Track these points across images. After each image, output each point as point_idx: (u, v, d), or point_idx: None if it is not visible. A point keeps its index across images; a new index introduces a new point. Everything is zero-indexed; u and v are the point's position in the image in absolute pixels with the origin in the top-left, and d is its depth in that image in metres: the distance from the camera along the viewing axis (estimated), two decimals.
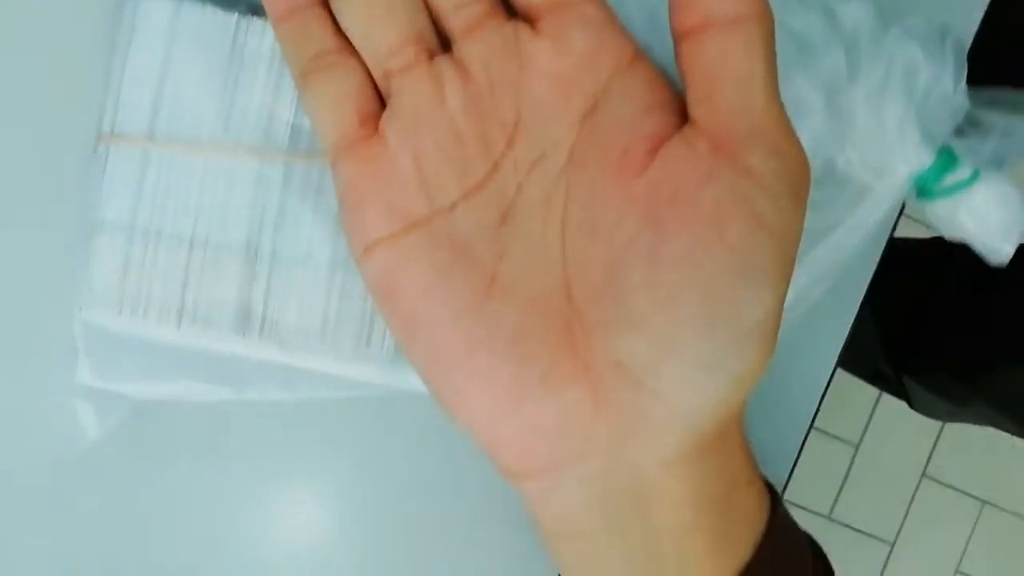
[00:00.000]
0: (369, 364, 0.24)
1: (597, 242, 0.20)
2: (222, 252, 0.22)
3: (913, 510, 1.23)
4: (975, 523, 1.24)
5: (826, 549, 0.26)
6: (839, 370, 0.33)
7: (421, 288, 0.20)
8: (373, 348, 0.23)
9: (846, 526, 1.22)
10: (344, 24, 0.20)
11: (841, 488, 1.22)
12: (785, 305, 0.24)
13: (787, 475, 0.33)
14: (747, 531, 0.22)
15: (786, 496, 0.24)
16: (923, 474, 1.23)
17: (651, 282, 0.19)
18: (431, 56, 0.20)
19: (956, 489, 1.23)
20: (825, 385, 0.33)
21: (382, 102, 0.21)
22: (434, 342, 0.20)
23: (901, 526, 1.23)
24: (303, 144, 0.23)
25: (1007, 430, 0.62)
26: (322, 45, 0.21)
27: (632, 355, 0.19)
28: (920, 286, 0.66)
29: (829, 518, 1.21)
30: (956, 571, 1.25)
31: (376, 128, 0.21)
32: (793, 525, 0.24)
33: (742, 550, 0.22)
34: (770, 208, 0.18)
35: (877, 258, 0.31)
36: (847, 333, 0.33)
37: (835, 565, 0.26)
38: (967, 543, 1.25)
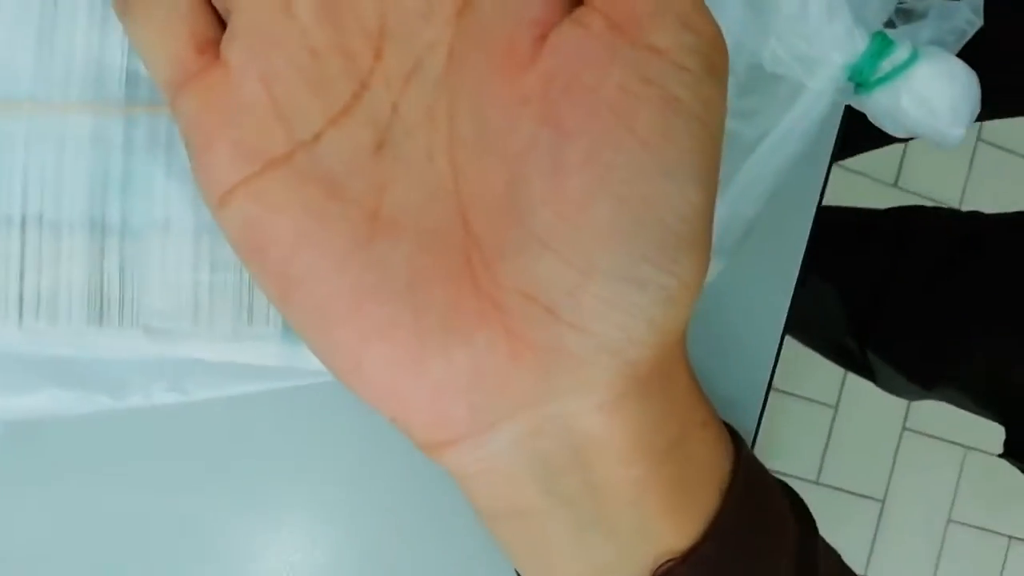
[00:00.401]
0: (260, 344, 0.20)
1: (490, 155, 0.17)
2: (62, 229, 0.19)
3: (899, 465, 1.23)
4: (960, 470, 1.24)
5: (817, 513, 0.23)
6: None
7: (291, 236, 0.17)
8: (257, 325, 0.20)
9: (835, 488, 1.21)
10: None
11: (825, 451, 1.21)
12: (718, 220, 0.21)
13: (751, 441, 0.31)
14: (708, 482, 0.19)
15: (769, 465, 0.22)
16: (903, 427, 1.23)
17: (555, 191, 0.16)
18: None
19: (938, 438, 1.23)
20: (779, 340, 0.31)
21: (223, 26, 0.18)
22: (314, 299, 0.17)
23: (889, 482, 1.22)
24: (143, 93, 0.19)
25: (972, 411, 0.61)
26: None
27: (542, 281, 0.16)
28: (885, 259, 0.65)
29: (817, 483, 1.20)
30: (948, 520, 1.24)
31: (218, 56, 0.17)
32: (763, 471, 0.22)
33: (705, 504, 0.19)
34: (684, 89, 0.16)
35: (822, 177, 0.28)
36: (797, 270, 0.31)
37: (829, 528, 0.23)
38: (956, 490, 1.24)
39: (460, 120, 0.17)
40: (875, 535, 1.22)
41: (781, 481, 0.23)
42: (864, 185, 1.16)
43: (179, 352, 0.20)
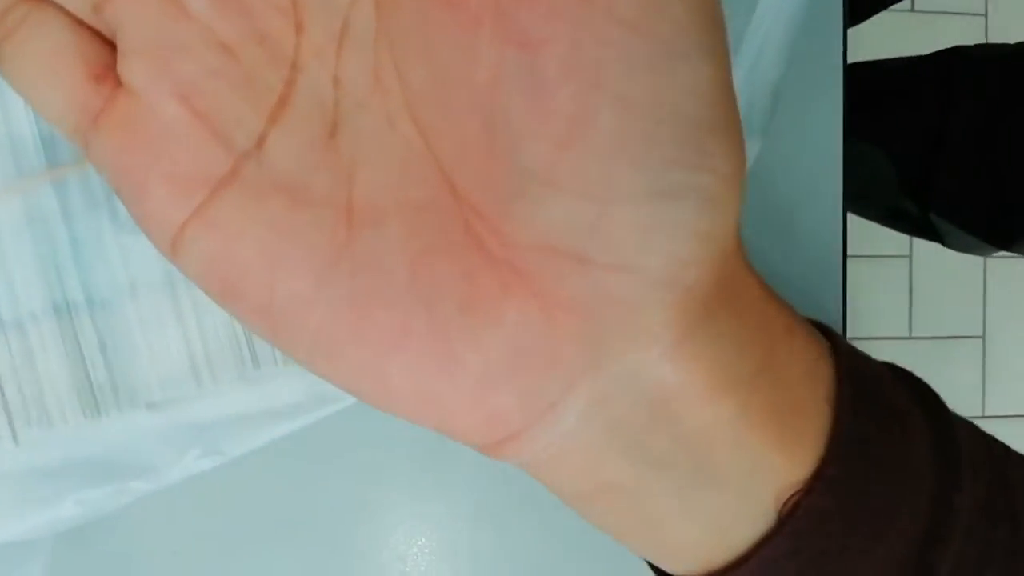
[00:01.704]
0: (276, 383, 0.18)
1: (455, 98, 0.14)
2: (26, 326, 0.17)
3: (990, 298, 1.18)
4: None
5: (919, 367, 0.20)
6: None
7: (264, 261, 0.15)
8: (265, 366, 0.18)
9: (930, 338, 1.16)
10: None
11: (911, 304, 1.16)
12: (738, 94, 0.18)
13: (841, 312, 0.28)
14: (811, 395, 0.16)
15: (858, 332, 0.19)
16: (986, 258, 1.17)
17: (541, 115, 0.13)
18: None
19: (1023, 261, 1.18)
20: (842, 213, 0.28)
21: (114, 47, 0.15)
22: (309, 326, 0.15)
23: (984, 315, 1.18)
24: (64, 153, 0.17)
25: None
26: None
27: (558, 227, 0.13)
28: (932, 113, 0.60)
29: (910, 337, 1.16)
30: None
31: (119, 83, 0.15)
32: (867, 361, 0.19)
33: (816, 421, 0.16)
34: None
35: (840, 35, 0.25)
36: (841, 142, 0.27)
37: (935, 378, 0.20)
38: None
39: (411, 71, 0.14)
40: (983, 372, 1.18)
41: (883, 362, 0.20)
42: (882, 19, 1.09)
43: (192, 418, 0.18)
